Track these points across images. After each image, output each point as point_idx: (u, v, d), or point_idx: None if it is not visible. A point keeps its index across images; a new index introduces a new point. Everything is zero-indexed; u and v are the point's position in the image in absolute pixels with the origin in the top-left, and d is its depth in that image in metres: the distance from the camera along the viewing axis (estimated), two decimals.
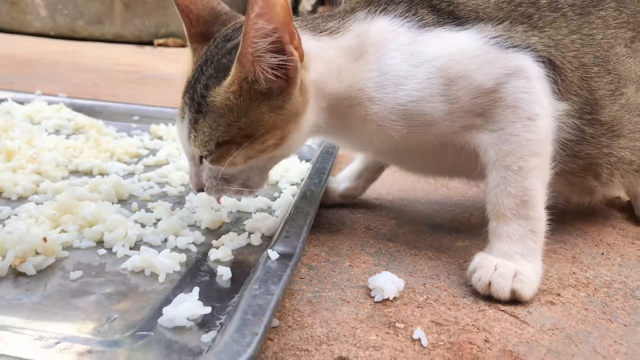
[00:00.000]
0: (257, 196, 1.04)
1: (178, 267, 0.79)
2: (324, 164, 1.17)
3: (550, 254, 0.99)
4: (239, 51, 0.74)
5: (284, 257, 0.74)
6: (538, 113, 0.85)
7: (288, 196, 1.11)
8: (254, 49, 0.73)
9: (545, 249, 1.00)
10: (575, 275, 0.92)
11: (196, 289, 0.71)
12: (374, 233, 1.03)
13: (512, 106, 0.84)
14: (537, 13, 0.94)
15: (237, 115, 0.78)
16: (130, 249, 0.84)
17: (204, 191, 0.87)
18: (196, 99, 0.80)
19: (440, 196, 1.28)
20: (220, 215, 0.97)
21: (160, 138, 1.48)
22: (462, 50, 0.84)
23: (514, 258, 0.83)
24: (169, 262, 0.78)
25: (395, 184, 1.34)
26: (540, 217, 0.86)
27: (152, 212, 0.97)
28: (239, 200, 1.02)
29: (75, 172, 1.17)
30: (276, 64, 0.75)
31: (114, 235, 0.85)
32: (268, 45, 0.73)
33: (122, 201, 1.04)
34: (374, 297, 0.79)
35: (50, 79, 2.41)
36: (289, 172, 1.24)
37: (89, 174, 1.17)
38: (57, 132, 1.46)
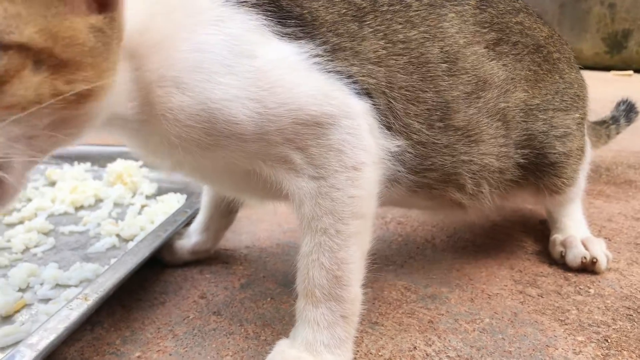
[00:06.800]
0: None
1: None
2: (177, 216, 1.04)
3: (404, 317, 0.84)
4: None
5: None
6: (364, 161, 0.69)
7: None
8: None
9: (404, 309, 0.86)
10: (414, 352, 0.76)
11: None
12: (205, 303, 0.89)
13: (337, 149, 0.67)
14: (371, 12, 0.77)
15: (43, 14, 0.52)
16: None
17: None
18: None
19: None
20: (20, 295, 0.87)
21: (53, 184, 1.39)
22: (280, 57, 0.66)
23: (317, 350, 0.68)
24: None
25: (290, 222, 1.20)
26: (354, 299, 0.70)
27: None
28: None
29: None
30: None
31: None
32: None
33: None
34: None
35: None
36: (156, 223, 1.12)
37: None
38: None
